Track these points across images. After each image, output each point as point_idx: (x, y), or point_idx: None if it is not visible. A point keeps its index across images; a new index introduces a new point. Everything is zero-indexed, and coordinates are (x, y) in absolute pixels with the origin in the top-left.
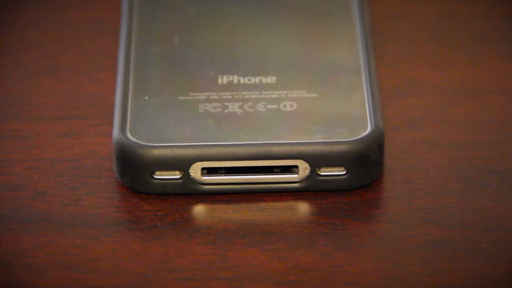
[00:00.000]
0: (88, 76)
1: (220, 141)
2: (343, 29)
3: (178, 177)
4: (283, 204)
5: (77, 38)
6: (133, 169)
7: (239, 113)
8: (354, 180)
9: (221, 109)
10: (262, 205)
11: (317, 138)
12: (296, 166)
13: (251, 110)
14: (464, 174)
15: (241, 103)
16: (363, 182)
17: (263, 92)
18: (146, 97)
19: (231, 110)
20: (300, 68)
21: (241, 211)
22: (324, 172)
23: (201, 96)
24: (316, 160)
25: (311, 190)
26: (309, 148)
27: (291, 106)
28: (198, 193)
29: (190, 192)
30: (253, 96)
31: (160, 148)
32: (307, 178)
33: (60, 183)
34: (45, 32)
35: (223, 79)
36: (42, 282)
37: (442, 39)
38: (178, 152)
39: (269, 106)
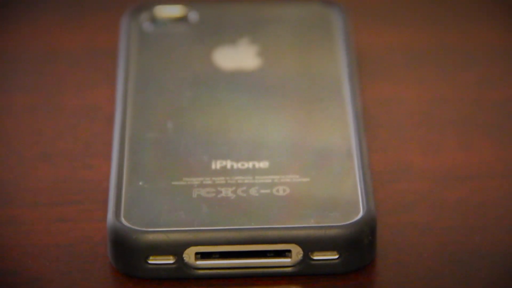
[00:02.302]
0: (83, 162)
1: (214, 226)
2: (335, 114)
3: (172, 262)
4: None
5: (72, 124)
6: (127, 254)
7: (232, 198)
8: (347, 264)
9: (214, 194)
10: None
11: (310, 223)
12: (289, 251)
13: (245, 195)
14: (456, 257)
15: (234, 188)
16: (356, 266)
17: (256, 177)
18: (140, 183)
19: (224, 195)
20: (292, 153)
21: None
22: (317, 256)
23: (195, 181)
24: (309, 245)
25: (304, 274)
26: (302, 233)
27: (284, 190)
28: (192, 278)
29: (184, 277)
30: (246, 181)
31: (154, 233)
32: (300, 262)
33: (55, 269)
34: (40, 119)
35: (216, 164)
36: None
37: (433, 123)
38: (172, 237)
39: (262, 191)
